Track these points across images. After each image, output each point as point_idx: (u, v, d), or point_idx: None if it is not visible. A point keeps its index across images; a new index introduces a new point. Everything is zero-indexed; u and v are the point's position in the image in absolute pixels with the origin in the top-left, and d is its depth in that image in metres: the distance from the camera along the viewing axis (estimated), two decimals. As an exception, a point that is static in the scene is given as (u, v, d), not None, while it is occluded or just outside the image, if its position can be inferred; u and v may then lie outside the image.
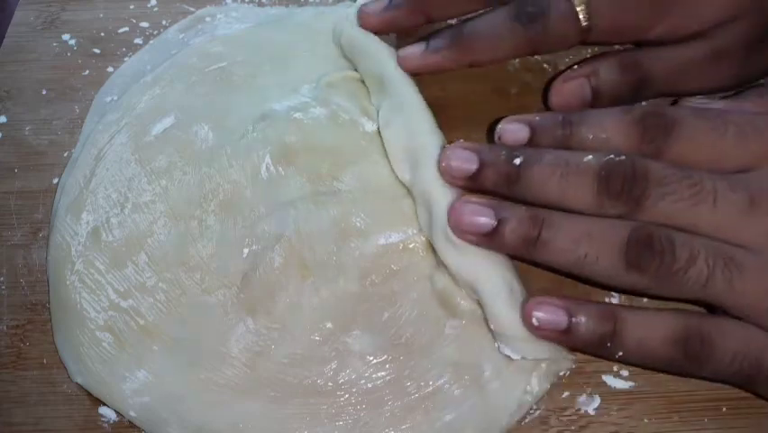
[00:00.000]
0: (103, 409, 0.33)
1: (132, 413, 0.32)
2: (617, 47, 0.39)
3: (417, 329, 0.33)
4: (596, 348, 0.30)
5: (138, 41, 0.48)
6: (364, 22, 0.39)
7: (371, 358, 0.33)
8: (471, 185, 0.32)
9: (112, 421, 0.33)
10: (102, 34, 0.48)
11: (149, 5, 0.50)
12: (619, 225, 0.29)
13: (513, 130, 0.32)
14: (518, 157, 0.31)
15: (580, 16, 0.35)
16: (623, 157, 0.30)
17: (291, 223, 0.35)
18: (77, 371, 0.33)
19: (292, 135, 0.38)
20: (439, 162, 0.33)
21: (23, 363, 0.34)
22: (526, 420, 0.32)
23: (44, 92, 0.45)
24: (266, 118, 0.39)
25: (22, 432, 0.32)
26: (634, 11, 0.36)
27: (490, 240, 0.31)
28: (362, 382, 0.32)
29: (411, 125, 0.36)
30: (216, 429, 0.32)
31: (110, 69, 0.46)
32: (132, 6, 0.50)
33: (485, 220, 0.30)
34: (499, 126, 0.33)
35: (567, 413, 0.33)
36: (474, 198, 0.32)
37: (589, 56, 0.42)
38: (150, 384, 0.33)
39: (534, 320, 0.30)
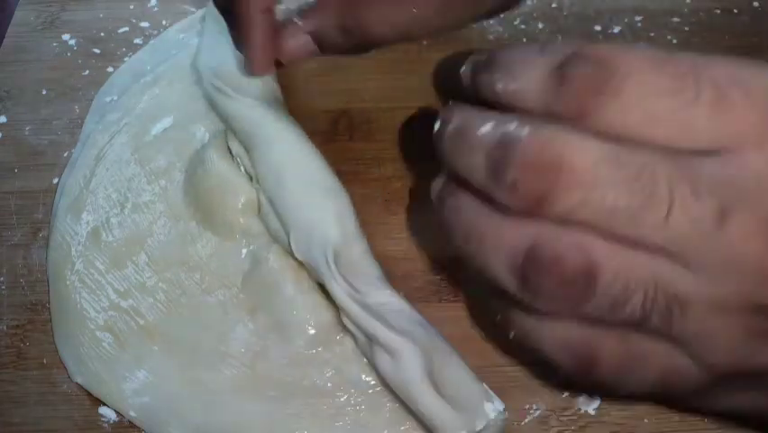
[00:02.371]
0: (103, 409, 0.33)
1: (132, 413, 0.32)
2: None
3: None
4: None
5: (138, 41, 0.48)
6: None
7: (371, 358, 0.33)
8: None
9: (112, 421, 0.33)
10: (102, 34, 0.48)
11: (149, 5, 0.50)
12: (516, 235, 0.21)
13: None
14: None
15: None
16: (521, 136, 0.20)
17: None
18: (77, 371, 0.33)
19: None
20: None
21: (23, 364, 0.34)
22: (526, 420, 0.32)
23: (44, 92, 0.45)
24: None
25: (22, 432, 0.32)
26: None
27: None
28: (362, 382, 0.32)
29: None
30: (216, 429, 0.32)
31: (110, 69, 0.46)
32: (132, 6, 0.50)
33: None
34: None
35: (567, 413, 0.32)
36: None
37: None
38: (150, 384, 0.33)
39: None
